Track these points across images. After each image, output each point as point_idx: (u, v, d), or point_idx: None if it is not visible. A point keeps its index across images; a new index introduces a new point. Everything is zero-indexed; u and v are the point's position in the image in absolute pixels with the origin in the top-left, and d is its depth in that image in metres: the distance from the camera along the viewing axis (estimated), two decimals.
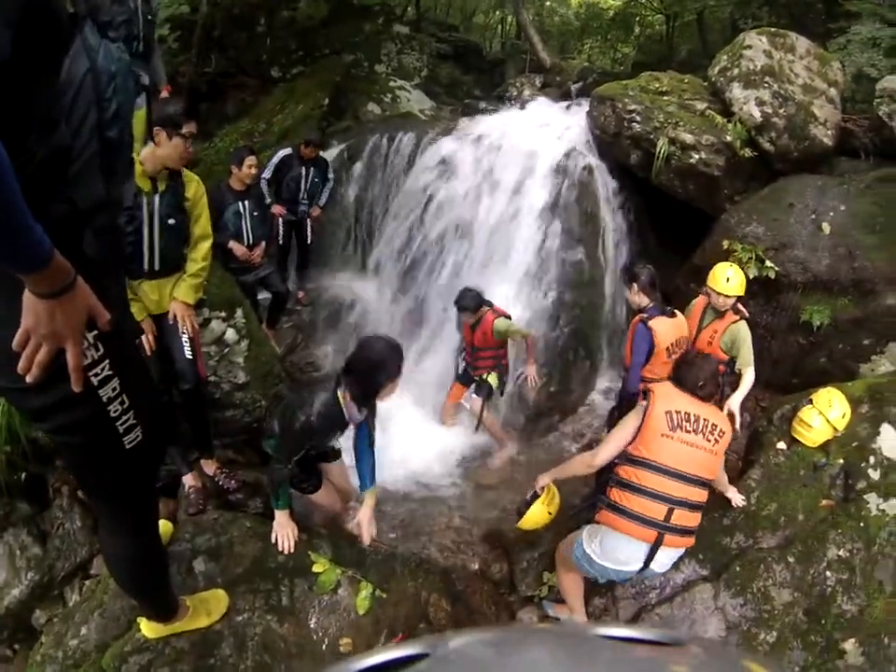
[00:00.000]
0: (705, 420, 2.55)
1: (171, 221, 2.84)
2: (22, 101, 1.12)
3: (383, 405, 2.92)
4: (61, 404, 1.42)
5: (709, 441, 2.55)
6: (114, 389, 1.49)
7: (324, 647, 2.52)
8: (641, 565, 2.58)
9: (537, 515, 2.95)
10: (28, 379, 1.25)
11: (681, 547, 2.68)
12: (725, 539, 3.20)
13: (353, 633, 2.57)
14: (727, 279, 3.60)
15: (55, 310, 1.19)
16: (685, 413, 2.54)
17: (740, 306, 3.77)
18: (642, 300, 3.64)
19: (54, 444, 1.95)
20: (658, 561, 2.61)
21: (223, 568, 2.65)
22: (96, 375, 1.43)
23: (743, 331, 3.64)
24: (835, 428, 3.41)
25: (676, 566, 3.08)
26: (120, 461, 1.62)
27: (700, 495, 2.62)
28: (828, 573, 2.94)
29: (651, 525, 2.52)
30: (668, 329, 3.57)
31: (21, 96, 1.12)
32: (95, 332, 1.38)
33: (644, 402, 2.64)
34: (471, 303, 4.28)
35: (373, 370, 2.61)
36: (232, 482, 3.41)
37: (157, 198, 2.78)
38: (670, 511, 2.51)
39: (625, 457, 2.60)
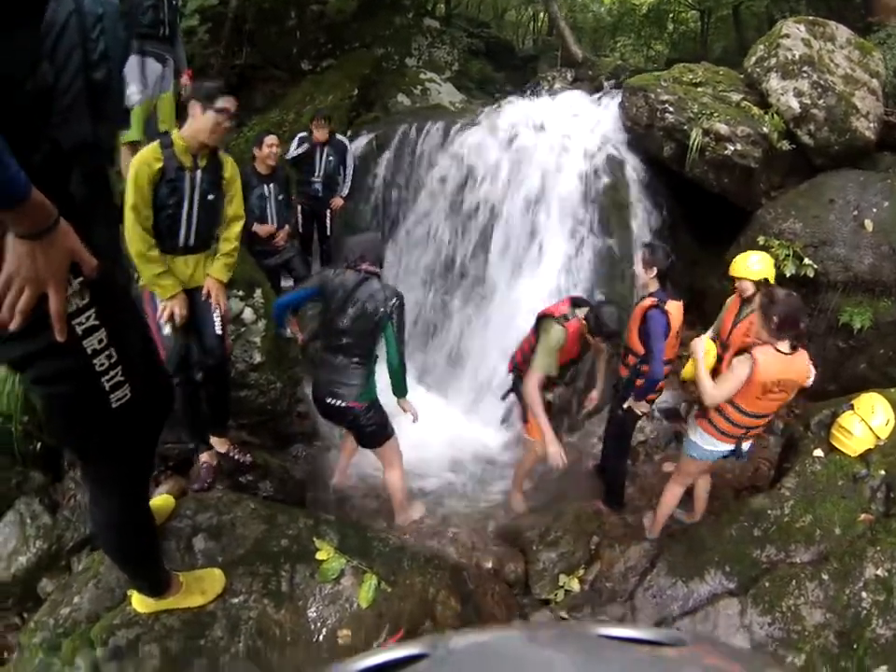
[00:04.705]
0: (789, 380, 3.02)
1: (210, 197, 2.87)
2: (4, 39, 1.12)
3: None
4: (42, 353, 1.39)
5: (786, 391, 3.07)
6: (100, 341, 1.45)
7: (321, 637, 2.41)
8: (729, 450, 3.27)
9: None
10: (10, 327, 1.22)
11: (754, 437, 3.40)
12: (755, 552, 3.05)
13: (353, 625, 2.46)
14: (751, 264, 3.66)
15: (36, 252, 1.17)
16: (777, 380, 2.98)
17: None
18: (652, 283, 3.52)
19: (39, 399, 1.94)
20: (744, 448, 3.31)
21: (223, 548, 2.58)
22: (80, 324, 1.40)
23: None
24: (878, 437, 3.26)
25: (701, 576, 3.01)
26: (106, 420, 1.56)
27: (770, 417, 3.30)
28: (864, 594, 2.76)
29: (732, 437, 3.21)
30: (677, 312, 3.55)
31: (4, 35, 1.11)
32: (81, 279, 1.35)
33: (749, 362, 2.98)
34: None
35: (377, 245, 3.35)
36: (248, 455, 3.41)
37: (198, 173, 2.80)
38: (747, 431, 3.21)
39: None
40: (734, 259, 3.77)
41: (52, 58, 1.25)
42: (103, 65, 1.34)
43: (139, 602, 2.27)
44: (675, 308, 3.49)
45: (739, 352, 3.31)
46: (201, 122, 2.70)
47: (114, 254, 1.64)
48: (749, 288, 3.66)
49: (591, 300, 3.74)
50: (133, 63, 3.90)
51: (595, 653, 0.42)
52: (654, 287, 3.51)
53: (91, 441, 1.65)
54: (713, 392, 3.06)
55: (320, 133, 5.24)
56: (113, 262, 1.55)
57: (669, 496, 3.52)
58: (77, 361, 1.44)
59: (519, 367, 3.74)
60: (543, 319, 3.50)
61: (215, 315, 2.97)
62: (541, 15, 14.83)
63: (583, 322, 3.43)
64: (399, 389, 3.29)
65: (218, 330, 2.99)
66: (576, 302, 3.56)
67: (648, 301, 3.47)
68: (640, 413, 3.71)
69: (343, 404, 3.20)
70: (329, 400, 3.24)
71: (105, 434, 1.62)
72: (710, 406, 3.15)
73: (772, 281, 3.77)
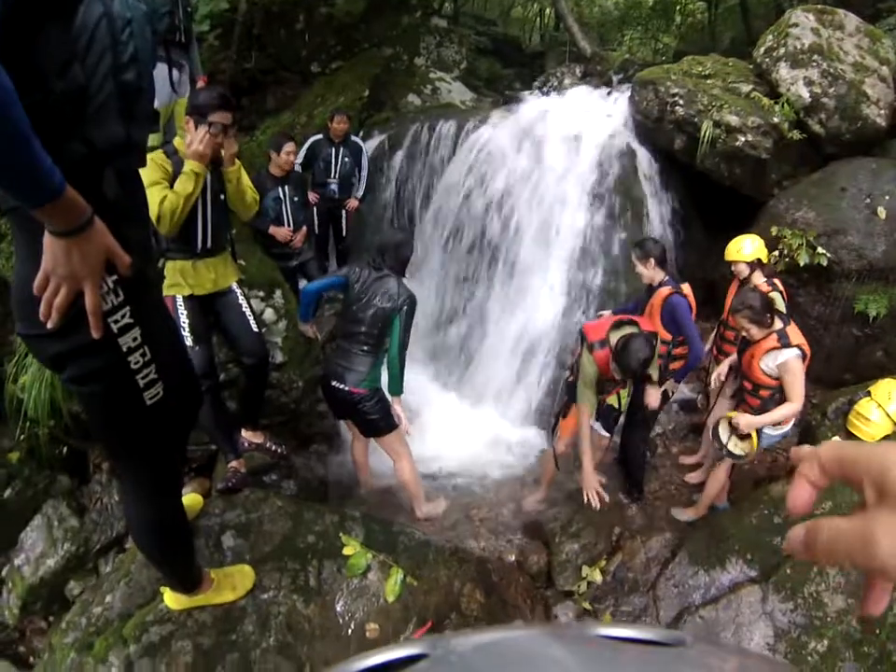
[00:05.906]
0: None
1: (221, 196, 2.93)
2: (37, 42, 1.15)
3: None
4: (78, 351, 1.41)
5: None
6: (134, 339, 1.46)
7: (350, 631, 2.45)
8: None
9: None
10: (48, 325, 1.24)
11: None
12: (776, 539, 3.05)
13: (381, 619, 2.50)
14: (743, 247, 3.77)
15: (72, 249, 1.19)
16: None
17: (776, 281, 3.79)
18: (657, 274, 3.57)
19: (76, 397, 1.91)
20: None
21: (252, 545, 2.63)
22: (115, 322, 1.41)
23: (778, 301, 3.54)
24: (895, 423, 3.24)
25: (722, 565, 2.96)
26: (141, 417, 1.58)
27: None
28: None
29: None
30: (690, 293, 3.62)
31: (36, 37, 1.14)
32: (115, 277, 1.37)
33: (797, 357, 3.07)
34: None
35: (400, 246, 3.44)
36: (283, 446, 3.50)
37: (208, 176, 2.81)
38: None
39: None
40: (727, 246, 3.88)
41: (84, 60, 1.28)
42: (132, 68, 1.37)
43: (172, 599, 2.29)
44: (687, 289, 3.61)
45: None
46: (194, 137, 2.68)
47: (146, 253, 1.64)
48: (745, 270, 3.78)
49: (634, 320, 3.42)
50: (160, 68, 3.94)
51: (597, 655, 0.42)
52: (660, 275, 3.57)
53: (127, 439, 1.67)
54: (797, 406, 3.10)
55: (341, 127, 5.27)
56: (145, 261, 1.56)
57: (715, 482, 3.54)
58: (112, 359, 1.45)
59: (571, 368, 3.65)
60: (583, 338, 3.40)
61: (247, 312, 3.03)
62: (547, 11, 14.74)
63: (612, 350, 3.21)
64: (395, 386, 3.42)
65: (254, 328, 3.05)
66: (618, 324, 3.34)
67: (665, 291, 3.51)
68: (671, 394, 3.77)
69: (347, 388, 3.34)
70: (334, 383, 3.38)
71: (141, 432, 1.64)
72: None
73: (765, 261, 3.87)
